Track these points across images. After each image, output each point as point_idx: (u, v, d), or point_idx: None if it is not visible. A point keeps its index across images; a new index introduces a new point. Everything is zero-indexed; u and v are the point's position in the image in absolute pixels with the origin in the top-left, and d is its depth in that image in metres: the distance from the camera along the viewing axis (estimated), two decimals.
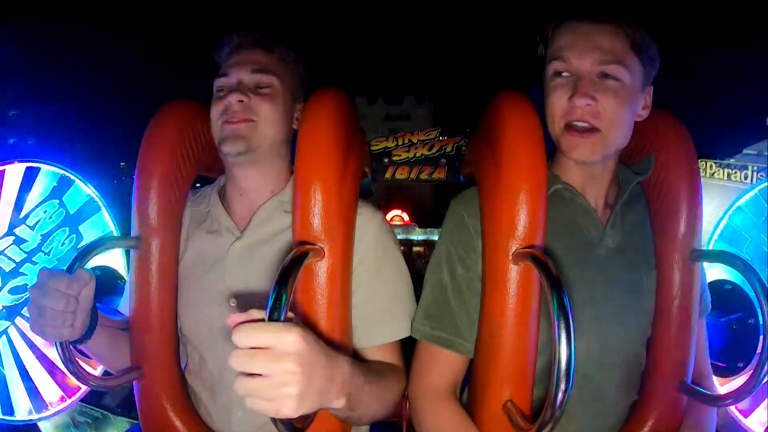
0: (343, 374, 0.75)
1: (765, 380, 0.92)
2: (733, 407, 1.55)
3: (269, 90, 1.10)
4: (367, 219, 1.04)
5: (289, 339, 0.64)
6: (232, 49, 1.15)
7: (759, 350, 1.06)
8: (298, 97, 1.17)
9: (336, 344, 0.92)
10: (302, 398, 0.66)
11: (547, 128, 1.00)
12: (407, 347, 1.09)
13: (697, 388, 1.01)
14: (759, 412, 1.53)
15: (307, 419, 0.86)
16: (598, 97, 0.95)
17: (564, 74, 0.99)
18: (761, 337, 0.93)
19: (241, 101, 1.06)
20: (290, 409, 0.65)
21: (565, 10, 1.01)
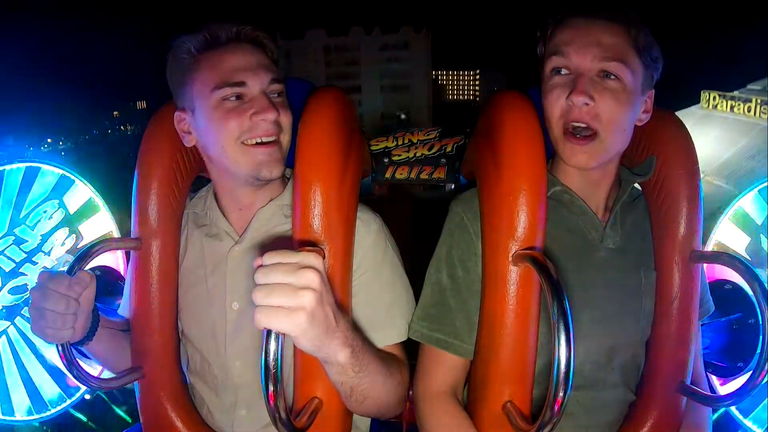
0: (346, 326, 0.80)
1: (765, 380, 0.92)
2: (733, 407, 1.55)
3: (282, 99, 1.04)
4: (365, 223, 1.04)
5: (311, 258, 0.71)
6: (226, 40, 1.01)
7: (759, 350, 1.06)
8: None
9: None
10: (314, 316, 0.70)
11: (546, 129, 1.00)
12: (412, 349, 1.09)
13: (696, 389, 1.01)
14: (759, 412, 1.53)
15: (308, 419, 0.86)
16: (596, 98, 0.93)
17: (563, 71, 0.97)
18: (761, 337, 0.93)
19: (274, 120, 0.99)
20: (302, 320, 0.69)
21: (566, 6, 1.00)
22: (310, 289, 0.70)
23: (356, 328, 0.87)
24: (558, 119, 0.97)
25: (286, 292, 0.69)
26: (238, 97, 0.99)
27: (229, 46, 1.01)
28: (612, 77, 0.94)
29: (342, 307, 0.95)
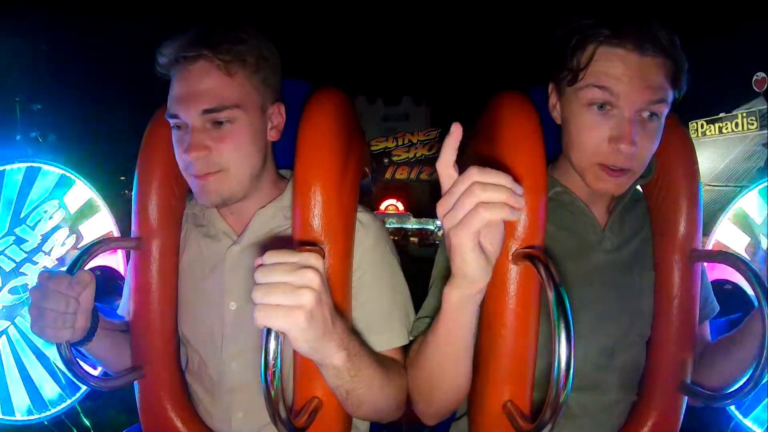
0: (343, 329, 0.79)
1: (765, 380, 0.92)
2: (733, 407, 1.55)
3: (230, 127, 0.96)
4: (365, 225, 1.03)
5: (312, 259, 0.71)
6: (175, 59, 0.96)
7: (759, 350, 1.06)
8: (268, 100, 1.03)
9: None
10: (313, 316, 0.70)
11: (546, 129, 1.00)
12: None
13: (697, 388, 1.01)
14: (759, 412, 1.53)
15: (307, 418, 0.86)
16: (638, 142, 0.90)
17: (606, 107, 0.91)
18: (761, 337, 0.93)
19: (201, 157, 0.95)
20: (301, 319, 0.69)
21: (610, 30, 0.90)
22: (310, 289, 0.69)
23: (354, 332, 0.86)
24: (592, 155, 0.94)
25: (285, 291, 0.68)
26: (180, 126, 0.97)
27: (176, 68, 0.97)
28: (654, 118, 0.91)
29: (341, 308, 0.95)
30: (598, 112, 0.92)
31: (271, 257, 0.71)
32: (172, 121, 0.98)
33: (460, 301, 0.78)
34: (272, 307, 0.68)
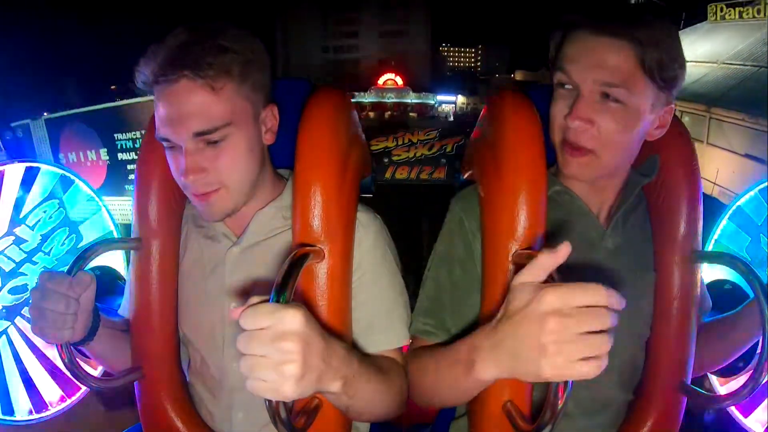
0: (339, 357, 0.76)
1: (765, 380, 0.93)
2: (733, 407, 1.55)
3: (225, 144, 0.93)
4: (365, 224, 1.03)
5: (288, 318, 0.66)
6: (155, 80, 0.90)
7: (759, 350, 1.06)
8: (260, 105, 0.99)
9: None
10: (301, 379, 0.67)
11: (546, 129, 1.00)
12: None
13: (696, 388, 1.02)
14: (759, 412, 1.53)
15: (307, 418, 0.86)
16: (596, 119, 0.92)
17: (567, 86, 0.96)
18: (761, 336, 0.93)
19: (199, 178, 0.93)
20: (290, 390, 0.66)
21: (576, 16, 0.96)
22: (291, 362, 0.66)
23: (351, 350, 0.83)
24: (558, 130, 0.98)
25: (268, 368, 0.65)
26: (173, 147, 0.94)
27: (157, 88, 0.91)
28: (613, 99, 0.92)
29: (341, 309, 0.96)
30: (563, 90, 0.96)
31: (249, 321, 0.65)
32: (165, 143, 0.94)
33: (492, 378, 0.77)
34: (260, 380, 0.66)
